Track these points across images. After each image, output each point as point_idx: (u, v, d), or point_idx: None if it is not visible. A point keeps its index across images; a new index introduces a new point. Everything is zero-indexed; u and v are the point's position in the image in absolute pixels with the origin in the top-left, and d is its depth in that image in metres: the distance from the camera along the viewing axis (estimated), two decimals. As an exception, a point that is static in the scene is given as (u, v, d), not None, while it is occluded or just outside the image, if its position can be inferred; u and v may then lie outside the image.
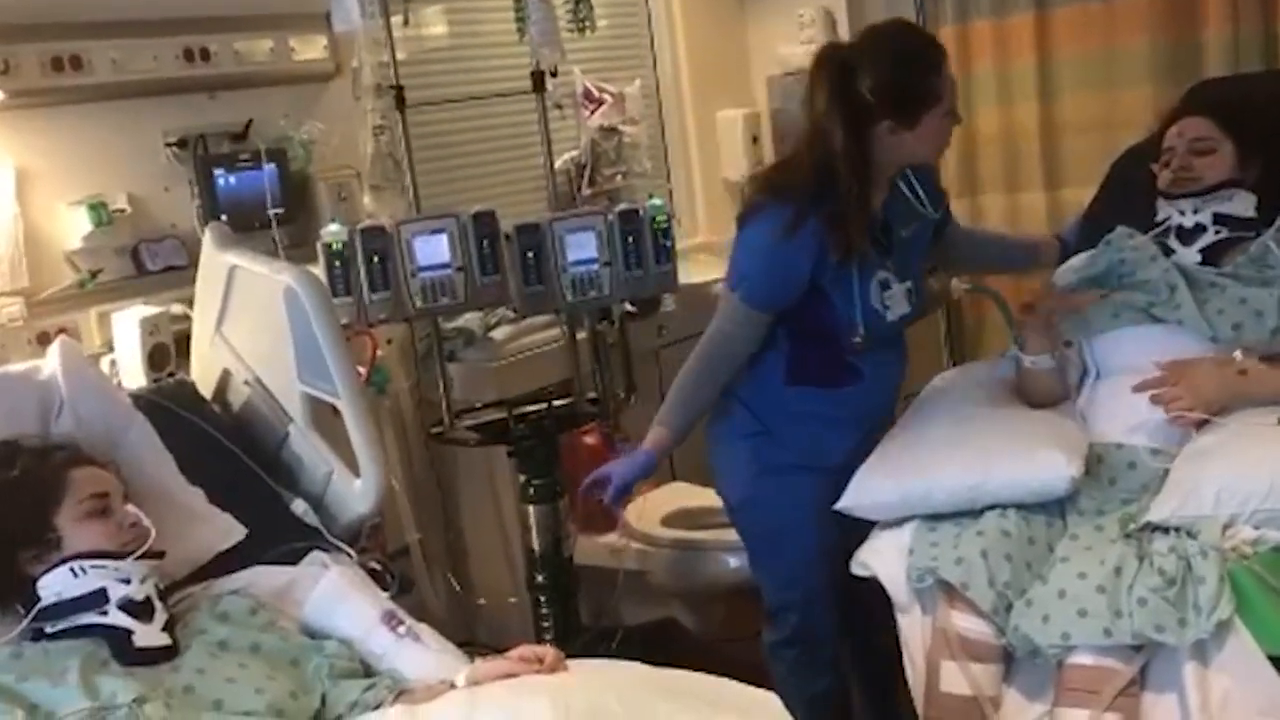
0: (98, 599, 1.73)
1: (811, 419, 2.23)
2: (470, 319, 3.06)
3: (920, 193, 2.20)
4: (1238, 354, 2.04)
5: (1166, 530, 1.83)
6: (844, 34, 3.75)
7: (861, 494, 2.11)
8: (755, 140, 3.98)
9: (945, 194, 2.35)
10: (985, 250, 2.58)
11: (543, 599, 2.90)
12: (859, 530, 2.12)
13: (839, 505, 2.11)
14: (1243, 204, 2.17)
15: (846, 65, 2.05)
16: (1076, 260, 2.39)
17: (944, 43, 2.35)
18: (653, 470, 2.27)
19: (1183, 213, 2.20)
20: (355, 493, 2.19)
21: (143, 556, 1.78)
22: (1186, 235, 2.20)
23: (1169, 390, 2.00)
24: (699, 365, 2.22)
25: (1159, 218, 2.24)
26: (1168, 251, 2.22)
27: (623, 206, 2.75)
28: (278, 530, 2.13)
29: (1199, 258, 2.19)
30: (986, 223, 3.42)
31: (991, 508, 1.97)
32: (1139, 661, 1.76)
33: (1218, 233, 2.18)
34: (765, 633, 2.37)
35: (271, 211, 2.71)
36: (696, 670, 1.72)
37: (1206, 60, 3.10)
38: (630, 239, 2.68)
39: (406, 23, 3.05)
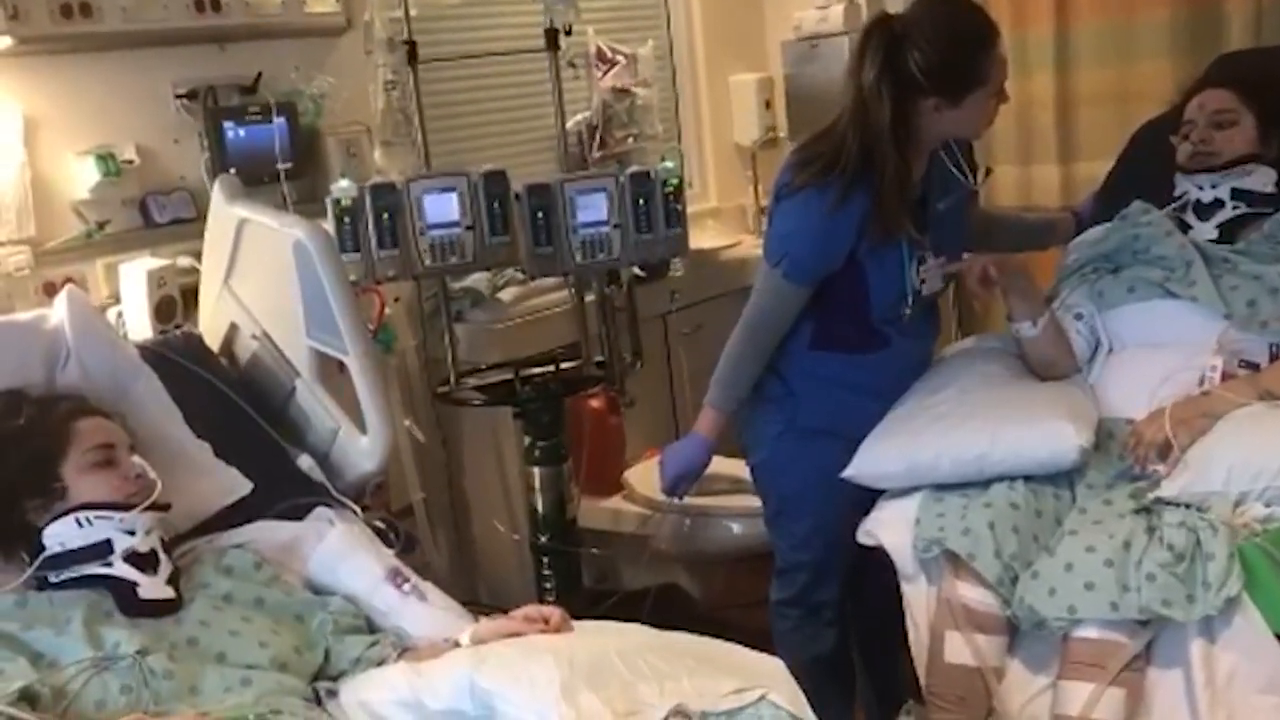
0: (102, 550, 1.73)
1: (835, 384, 2.22)
2: (478, 279, 3.05)
3: (961, 163, 2.18)
4: (1217, 362, 2.02)
5: (1176, 505, 1.82)
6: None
7: (868, 462, 2.10)
8: (768, 105, 3.95)
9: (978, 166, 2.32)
10: (1001, 231, 2.56)
11: (545, 560, 2.90)
12: (877, 498, 2.11)
13: (845, 474, 2.11)
14: (1262, 179, 2.15)
15: (896, 38, 2.02)
16: (1090, 234, 2.37)
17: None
18: (709, 454, 2.28)
19: (1200, 187, 2.18)
20: (362, 449, 2.18)
21: (148, 508, 1.78)
22: (1204, 210, 2.18)
23: (1134, 454, 1.97)
24: (743, 340, 2.21)
25: (1177, 192, 2.22)
26: (1184, 227, 2.20)
27: (634, 169, 2.73)
28: (283, 485, 2.12)
29: (1216, 233, 2.17)
30: (999, 196, 3.39)
31: (1000, 479, 1.96)
32: (1145, 637, 1.75)
33: (1235, 208, 2.16)
34: (772, 590, 2.38)
35: (281, 165, 2.69)
36: (698, 635, 1.72)
37: (1227, 33, 3.06)
38: (641, 202, 2.67)
39: (419, -24, 3.02)
